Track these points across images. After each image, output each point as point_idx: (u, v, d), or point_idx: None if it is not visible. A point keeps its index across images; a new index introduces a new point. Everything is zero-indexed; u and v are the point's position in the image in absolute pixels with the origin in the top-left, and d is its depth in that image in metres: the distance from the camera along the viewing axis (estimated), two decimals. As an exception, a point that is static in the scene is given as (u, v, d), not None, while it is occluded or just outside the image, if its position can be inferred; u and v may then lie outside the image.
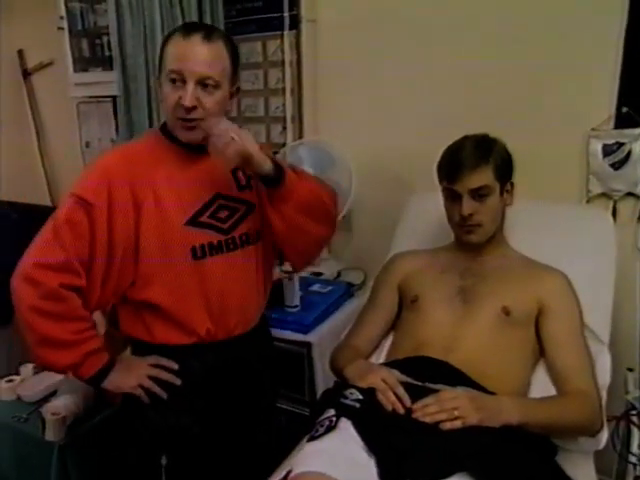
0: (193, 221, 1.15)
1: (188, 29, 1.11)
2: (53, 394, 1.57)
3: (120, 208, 1.10)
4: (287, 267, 1.54)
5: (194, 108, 1.09)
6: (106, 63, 2.09)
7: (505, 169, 1.23)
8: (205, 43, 1.09)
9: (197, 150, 1.17)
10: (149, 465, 1.21)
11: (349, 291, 1.76)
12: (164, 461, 1.20)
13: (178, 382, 1.19)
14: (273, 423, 1.42)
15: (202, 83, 1.09)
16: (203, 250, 1.15)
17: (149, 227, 1.12)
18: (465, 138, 1.24)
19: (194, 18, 1.83)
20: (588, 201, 1.59)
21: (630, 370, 1.47)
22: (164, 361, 1.19)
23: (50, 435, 1.42)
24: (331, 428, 0.99)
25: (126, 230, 1.10)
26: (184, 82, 1.08)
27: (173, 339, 1.18)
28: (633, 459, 1.31)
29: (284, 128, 1.99)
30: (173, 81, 1.09)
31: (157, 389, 1.17)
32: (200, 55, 1.09)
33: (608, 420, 1.19)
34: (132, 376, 1.17)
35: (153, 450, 1.21)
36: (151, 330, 1.18)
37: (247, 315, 1.25)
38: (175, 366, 1.19)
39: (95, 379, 1.15)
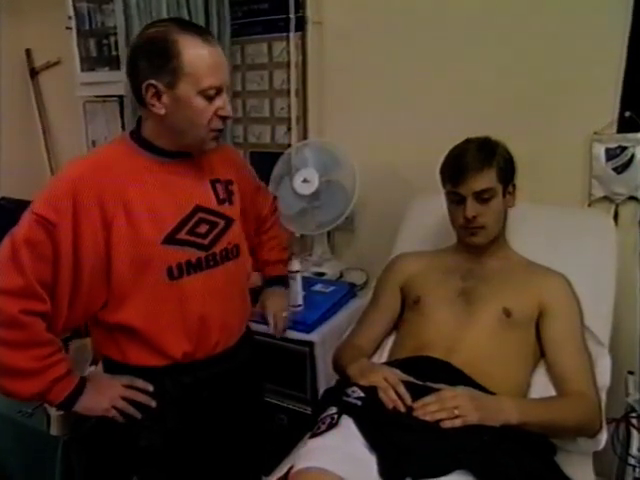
0: (171, 239, 1.07)
1: (202, 33, 1.04)
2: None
3: (87, 227, 1.01)
4: (290, 266, 1.55)
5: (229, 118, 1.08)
6: (113, 63, 2.11)
7: (508, 171, 1.24)
8: (220, 47, 1.06)
9: (173, 157, 1.11)
10: None
11: (351, 291, 1.77)
12: (135, 479, 1.17)
13: (153, 404, 1.12)
14: (263, 425, 1.40)
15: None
16: (180, 269, 1.08)
17: (121, 246, 1.04)
18: (467, 141, 1.26)
19: (201, 19, 1.85)
20: (590, 204, 1.60)
21: (631, 373, 1.48)
22: (139, 382, 1.12)
23: (55, 430, 1.43)
24: (333, 425, 1.00)
25: (94, 250, 1.02)
26: (217, 93, 1.05)
27: (148, 361, 1.12)
28: (632, 461, 1.31)
29: (289, 129, 2.00)
30: (209, 97, 1.04)
31: (132, 410, 1.11)
32: (225, 63, 1.07)
33: (608, 422, 1.20)
34: (104, 398, 1.10)
35: (123, 470, 1.17)
36: (124, 352, 1.12)
37: (229, 332, 1.20)
38: (150, 388, 1.12)
39: (65, 404, 1.07)
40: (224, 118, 1.08)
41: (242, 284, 1.26)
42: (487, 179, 1.20)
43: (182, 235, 1.09)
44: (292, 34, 1.90)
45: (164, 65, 1.01)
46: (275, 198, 1.52)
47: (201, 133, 1.07)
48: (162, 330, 1.10)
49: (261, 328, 1.46)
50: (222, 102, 1.06)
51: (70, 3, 2.15)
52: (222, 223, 1.16)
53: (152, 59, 1.02)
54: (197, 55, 1.01)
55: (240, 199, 1.25)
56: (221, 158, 1.23)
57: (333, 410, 1.05)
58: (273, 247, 1.46)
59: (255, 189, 1.40)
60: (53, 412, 1.43)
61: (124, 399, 1.11)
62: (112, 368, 1.16)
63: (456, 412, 0.99)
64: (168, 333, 1.11)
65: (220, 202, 1.17)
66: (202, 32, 1.05)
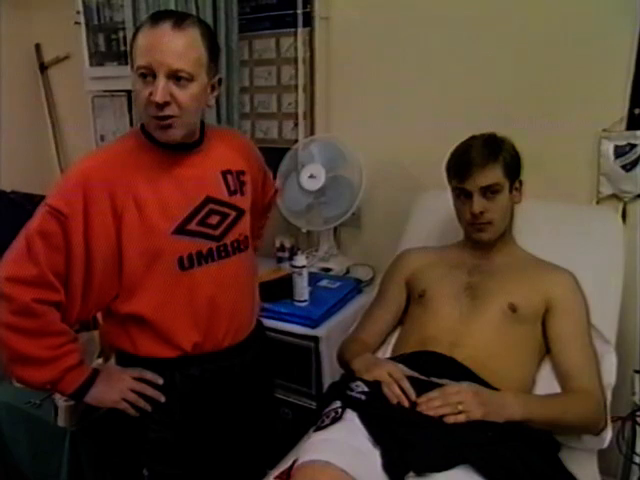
0: (181, 229, 1.08)
1: (156, 17, 1.01)
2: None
3: (98, 219, 1.02)
4: (297, 262, 1.56)
5: (167, 104, 1.00)
6: (121, 58, 2.11)
7: (514, 167, 1.24)
8: (175, 31, 0.99)
9: (182, 149, 1.11)
10: (131, 475, 1.19)
11: (357, 287, 1.77)
12: (146, 472, 1.18)
13: (162, 399, 1.13)
14: (272, 420, 1.40)
15: (174, 76, 0.99)
16: (191, 260, 1.09)
17: (132, 238, 1.05)
18: (473, 138, 1.25)
19: (208, 14, 1.85)
20: (598, 202, 1.59)
21: (637, 372, 1.47)
22: (149, 375, 1.13)
23: (62, 421, 1.44)
24: (337, 419, 1.01)
25: (106, 241, 1.04)
26: (154, 77, 0.99)
27: (158, 353, 1.12)
28: (638, 460, 1.31)
29: (296, 124, 2.00)
30: (143, 76, 1.00)
31: (142, 403, 1.12)
32: (170, 45, 0.98)
33: (613, 421, 1.20)
34: (115, 390, 1.11)
35: (134, 462, 1.18)
36: (135, 343, 1.13)
37: (238, 324, 1.20)
38: (160, 381, 1.13)
39: (76, 394, 1.09)
40: (157, 105, 1.00)
41: (252, 277, 1.26)
42: (493, 174, 1.20)
43: (193, 226, 1.09)
44: (300, 30, 1.89)
45: (130, 55, 1.05)
46: (276, 191, 1.50)
47: (144, 119, 1.06)
48: (172, 320, 1.11)
49: (268, 323, 1.47)
50: (153, 86, 1.00)
51: (79, -2, 2.16)
52: (233, 214, 1.17)
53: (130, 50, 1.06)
54: (140, 36, 1.02)
55: (252, 189, 1.25)
56: (233, 148, 1.23)
57: (337, 404, 1.06)
58: (257, 237, 1.42)
59: (264, 176, 1.37)
60: (61, 403, 1.44)
61: (134, 392, 1.12)
62: (124, 360, 1.17)
63: (460, 407, 0.99)
64: (178, 323, 1.11)
65: (231, 193, 1.17)
66: (160, 16, 1.02)
